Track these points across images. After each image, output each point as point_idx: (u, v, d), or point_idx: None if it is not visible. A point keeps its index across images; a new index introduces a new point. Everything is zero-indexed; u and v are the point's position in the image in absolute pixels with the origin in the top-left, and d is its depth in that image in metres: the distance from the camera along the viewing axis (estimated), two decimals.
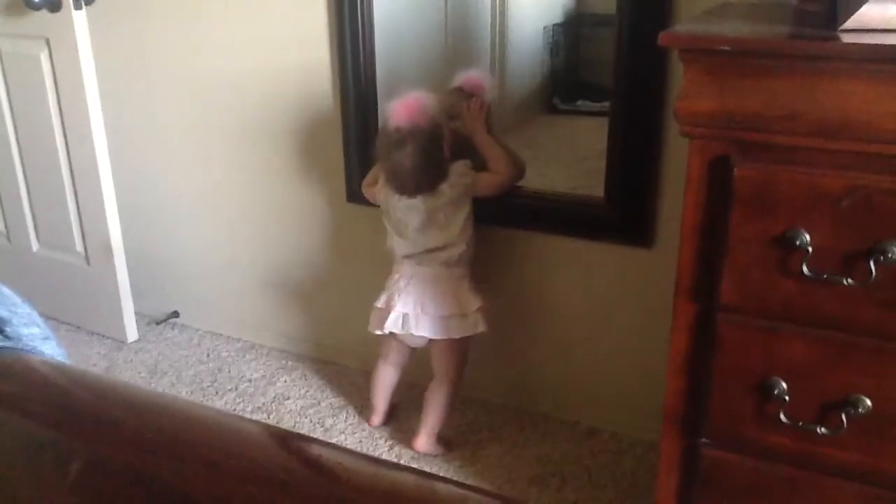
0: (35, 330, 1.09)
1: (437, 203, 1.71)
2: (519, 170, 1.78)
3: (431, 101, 1.69)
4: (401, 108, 1.67)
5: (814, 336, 1.03)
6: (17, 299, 1.11)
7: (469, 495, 0.69)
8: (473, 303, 1.77)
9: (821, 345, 1.03)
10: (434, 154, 1.69)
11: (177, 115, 2.21)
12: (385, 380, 1.94)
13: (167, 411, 0.83)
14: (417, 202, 1.71)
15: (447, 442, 1.90)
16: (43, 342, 1.08)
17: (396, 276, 1.80)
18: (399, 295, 1.77)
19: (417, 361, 1.89)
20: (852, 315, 1.00)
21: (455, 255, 1.75)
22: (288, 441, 0.83)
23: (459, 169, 1.72)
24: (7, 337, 1.04)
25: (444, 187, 1.70)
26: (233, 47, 2.05)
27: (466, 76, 1.83)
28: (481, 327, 1.77)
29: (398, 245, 1.78)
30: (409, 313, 1.76)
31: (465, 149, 1.76)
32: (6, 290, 1.11)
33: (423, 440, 1.87)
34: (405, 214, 1.73)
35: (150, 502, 0.68)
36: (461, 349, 1.82)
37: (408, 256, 1.77)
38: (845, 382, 1.03)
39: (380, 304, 1.80)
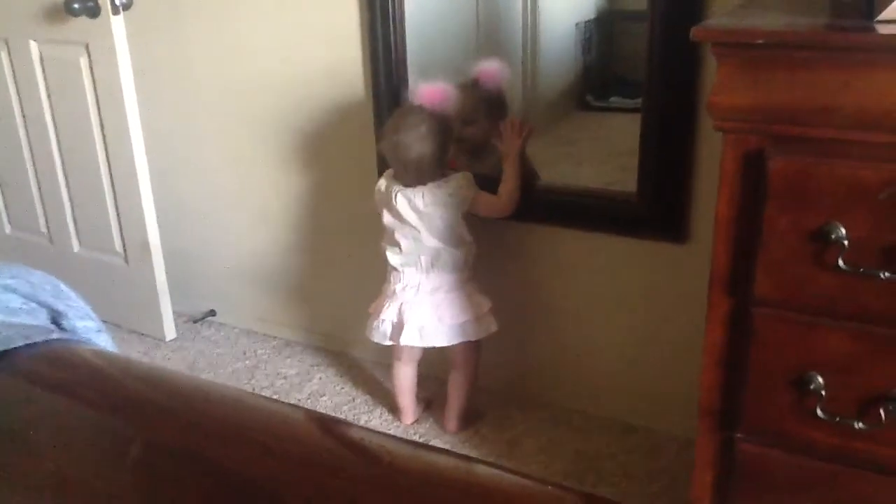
0: (90, 323, 1.13)
1: (435, 209, 1.70)
2: (516, 205, 1.75)
3: (455, 97, 1.71)
4: (428, 91, 1.69)
5: (851, 330, 1.02)
6: (72, 294, 1.16)
7: (505, 475, 0.70)
8: (484, 305, 1.79)
9: (858, 339, 1.02)
10: (441, 147, 1.70)
11: (212, 115, 2.24)
12: (404, 378, 1.95)
13: (216, 398, 0.86)
14: (418, 203, 1.70)
15: (476, 413, 1.96)
16: (97, 334, 1.12)
17: (398, 285, 1.79)
18: (410, 306, 1.77)
19: (439, 356, 1.89)
20: (890, 309, 0.99)
21: (460, 260, 1.75)
22: (332, 426, 0.85)
23: (462, 181, 1.71)
24: (63, 329, 1.08)
25: (444, 194, 1.69)
26: (266, 48, 2.07)
27: (482, 68, 1.80)
28: (493, 327, 1.81)
29: (397, 254, 1.78)
30: (426, 325, 1.76)
31: (474, 154, 1.78)
32: (63, 287, 1.16)
33: (453, 422, 1.93)
34: (406, 213, 1.71)
35: (207, 482, 0.71)
36: (476, 345, 1.85)
37: (409, 265, 1.77)
38: (884, 377, 1.02)
39: (392, 317, 1.79)
